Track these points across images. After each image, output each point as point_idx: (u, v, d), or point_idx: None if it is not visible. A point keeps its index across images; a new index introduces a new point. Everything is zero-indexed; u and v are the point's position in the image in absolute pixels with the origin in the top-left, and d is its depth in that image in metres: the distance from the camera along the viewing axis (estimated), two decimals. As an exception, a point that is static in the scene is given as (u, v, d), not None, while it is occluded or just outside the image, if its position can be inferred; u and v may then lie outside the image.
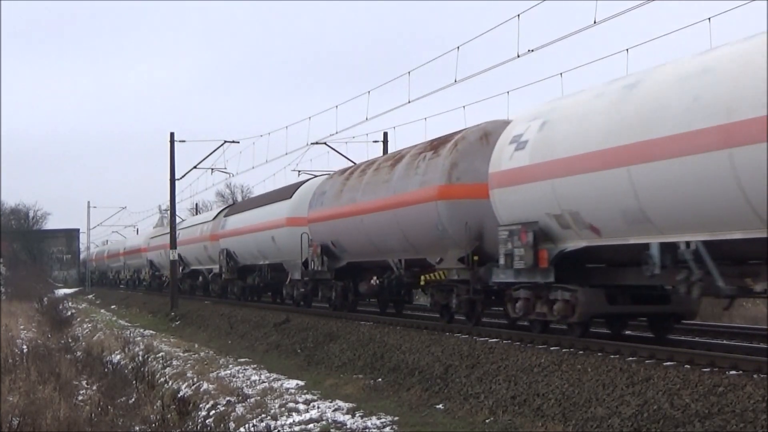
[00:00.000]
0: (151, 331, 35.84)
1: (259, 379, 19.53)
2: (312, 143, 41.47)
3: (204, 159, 48.82)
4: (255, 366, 22.06)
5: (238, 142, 47.28)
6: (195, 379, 20.35)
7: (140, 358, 26.18)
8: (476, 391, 15.14)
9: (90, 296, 78.05)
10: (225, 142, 47.23)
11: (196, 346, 28.41)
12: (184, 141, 47.99)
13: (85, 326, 41.17)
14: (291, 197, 33.13)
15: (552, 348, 16.22)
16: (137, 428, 16.93)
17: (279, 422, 14.73)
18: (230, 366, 22.24)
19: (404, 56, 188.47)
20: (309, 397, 16.69)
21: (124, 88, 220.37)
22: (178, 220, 50.85)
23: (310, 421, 14.57)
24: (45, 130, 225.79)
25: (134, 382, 22.32)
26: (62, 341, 34.62)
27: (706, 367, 12.91)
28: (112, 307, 58.24)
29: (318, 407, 15.49)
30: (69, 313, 51.05)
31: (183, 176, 48.85)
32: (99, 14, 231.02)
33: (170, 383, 21.10)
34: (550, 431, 12.55)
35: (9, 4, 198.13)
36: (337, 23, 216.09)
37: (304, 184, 33.65)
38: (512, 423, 13.24)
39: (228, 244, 40.87)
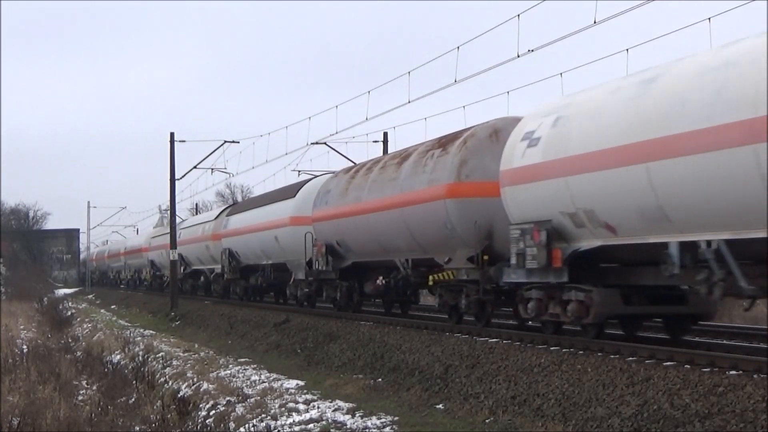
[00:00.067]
0: (151, 331, 35.80)
1: (259, 379, 19.46)
2: (312, 143, 41.45)
3: (204, 159, 48.94)
4: (255, 366, 21.98)
5: (238, 142, 47.34)
6: (195, 379, 20.30)
7: (140, 358, 26.15)
8: (476, 391, 15.09)
9: (90, 296, 78.03)
10: (225, 142, 47.26)
11: (196, 346, 28.33)
12: (184, 141, 48.06)
13: (85, 326, 41.13)
14: (295, 196, 32.74)
15: (552, 348, 16.15)
16: (137, 428, 16.87)
17: (279, 422, 14.70)
18: (230, 366, 22.17)
19: (404, 56, 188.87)
20: (309, 397, 16.65)
21: (124, 88, 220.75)
22: (178, 220, 50.76)
23: (310, 421, 14.53)
24: (45, 130, 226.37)
25: (134, 382, 22.26)
26: (62, 341, 34.51)
27: (706, 367, 12.90)
28: (112, 307, 58.19)
29: (318, 407, 15.45)
30: (69, 313, 50.95)
31: (183, 176, 48.94)
32: (99, 14, 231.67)
33: (170, 383, 21.05)
34: (550, 431, 12.50)
35: (9, 4, 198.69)
36: (337, 23, 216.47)
37: (307, 182, 33.26)
38: (512, 423, 13.22)
39: (230, 244, 40.53)
